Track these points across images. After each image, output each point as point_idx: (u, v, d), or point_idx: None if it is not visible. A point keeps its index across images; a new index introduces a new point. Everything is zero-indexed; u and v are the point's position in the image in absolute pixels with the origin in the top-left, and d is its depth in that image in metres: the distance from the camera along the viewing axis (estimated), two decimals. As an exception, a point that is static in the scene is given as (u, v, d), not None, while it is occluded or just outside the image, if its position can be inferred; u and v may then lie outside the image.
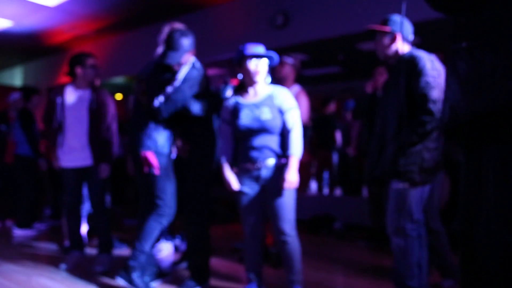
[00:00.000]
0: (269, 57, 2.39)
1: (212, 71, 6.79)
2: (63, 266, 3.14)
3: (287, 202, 2.34)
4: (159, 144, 2.60)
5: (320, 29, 4.81)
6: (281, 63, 3.52)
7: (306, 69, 5.87)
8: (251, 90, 2.42)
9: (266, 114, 2.33)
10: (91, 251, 3.54)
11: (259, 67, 2.36)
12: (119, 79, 7.47)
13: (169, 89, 2.56)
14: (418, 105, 2.10)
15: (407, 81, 2.14)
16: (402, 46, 2.27)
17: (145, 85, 2.68)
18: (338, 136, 5.47)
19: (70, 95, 3.23)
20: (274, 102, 2.36)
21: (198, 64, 2.69)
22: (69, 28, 6.63)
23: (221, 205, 5.22)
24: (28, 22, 6.25)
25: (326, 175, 5.76)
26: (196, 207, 2.65)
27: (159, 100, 2.55)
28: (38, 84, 8.35)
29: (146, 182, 2.65)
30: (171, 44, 2.56)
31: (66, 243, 3.82)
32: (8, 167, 4.81)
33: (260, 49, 2.37)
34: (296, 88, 3.43)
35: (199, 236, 2.67)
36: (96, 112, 3.19)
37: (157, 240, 3.56)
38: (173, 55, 2.55)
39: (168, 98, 2.55)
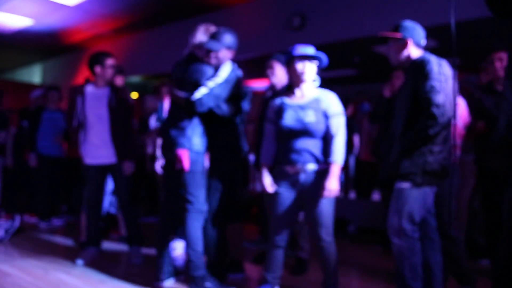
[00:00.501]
0: (318, 59, 2.38)
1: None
2: (79, 261, 3.18)
3: (326, 209, 2.32)
4: (194, 143, 2.59)
5: (337, 31, 4.79)
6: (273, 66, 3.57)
7: (321, 71, 5.83)
8: (297, 91, 2.41)
9: (310, 117, 2.31)
10: (107, 246, 3.59)
11: (306, 68, 2.35)
12: (135, 78, 7.54)
13: (211, 83, 2.54)
14: (422, 108, 2.10)
15: (414, 84, 2.15)
16: (414, 51, 2.28)
17: (177, 83, 2.67)
18: (356, 139, 5.44)
19: (90, 94, 3.30)
20: (320, 105, 2.34)
21: (237, 68, 2.72)
22: (88, 27, 6.72)
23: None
24: (48, 20, 6.35)
25: (341, 178, 5.73)
26: (215, 207, 2.68)
27: (200, 92, 2.51)
28: (57, 82, 8.48)
29: (179, 180, 2.62)
30: (215, 35, 2.61)
31: (83, 238, 3.88)
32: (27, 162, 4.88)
33: (309, 50, 2.35)
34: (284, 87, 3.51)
35: (217, 235, 2.69)
36: (116, 110, 3.26)
37: (171, 239, 3.62)
38: (215, 43, 2.57)
39: (209, 91, 2.52)
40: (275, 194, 2.42)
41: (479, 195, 3.47)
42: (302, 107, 2.36)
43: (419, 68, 2.15)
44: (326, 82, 2.56)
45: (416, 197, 2.15)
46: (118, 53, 7.07)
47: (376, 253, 3.82)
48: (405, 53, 2.28)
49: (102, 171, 3.30)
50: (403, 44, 2.27)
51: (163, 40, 6.61)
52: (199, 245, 2.56)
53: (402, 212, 2.16)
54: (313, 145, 2.32)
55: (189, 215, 2.58)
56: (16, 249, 3.62)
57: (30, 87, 6.65)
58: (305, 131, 2.31)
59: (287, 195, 2.39)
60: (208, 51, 2.60)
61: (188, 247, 2.56)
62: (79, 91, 3.31)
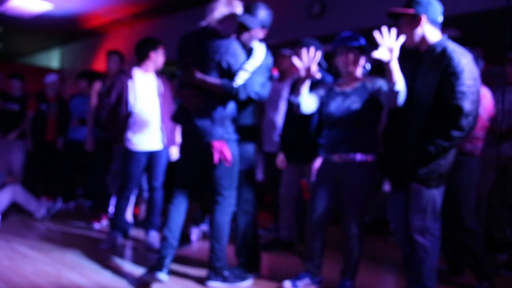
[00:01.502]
0: (364, 47, 2.34)
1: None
2: (103, 245, 3.22)
3: (362, 201, 2.30)
4: (230, 132, 2.44)
5: (357, 19, 4.70)
6: (281, 55, 3.55)
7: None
8: (345, 79, 2.40)
9: (357, 104, 2.28)
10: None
11: (353, 56, 2.33)
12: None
13: (250, 67, 2.36)
14: (449, 116, 1.96)
15: (439, 78, 1.98)
16: (430, 31, 2.06)
17: (194, 63, 2.39)
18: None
19: (140, 79, 3.28)
20: (370, 89, 2.30)
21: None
22: (106, 12, 6.73)
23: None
24: (67, 5, 6.37)
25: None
26: (244, 197, 2.61)
27: (241, 77, 2.33)
28: (74, 66, 8.55)
29: (207, 172, 2.48)
30: (249, 9, 2.44)
31: (96, 225, 3.93)
32: (49, 146, 4.97)
33: (355, 38, 2.33)
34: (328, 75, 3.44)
35: (249, 225, 2.64)
36: (163, 96, 3.31)
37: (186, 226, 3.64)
38: (251, 18, 2.41)
39: (251, 76, 2.35)
40: (315, 184, 2.43)
41: (498, 189, 3.41)
42: (347, 95, 2.33)
43: (444, 65, 1.97)
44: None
45: (435, 196, 2.14)
46: (136, 39, 7.06)
47: (391, 244, 3.79)
48: (419, 32, 2.06)
49: (148, 157, 3.29)
50: (417, 22, 2.05)
51: (182, 26, 6.54)
52: (225, 239, 2.48)
53: (426, 212, 2.12)
54: (357, 134, 2.28)
55: (219, 208, 2.47)
56: (32, 231, 3.69)
57: (49, 71, 6.70)
58: (349, 120, 2.28)
59: (327, 183, 2.38)
60: (242, 27, 2.42)
61: (214, 239, 2.47)
62: (128, 75, 3.28)
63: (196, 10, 6.41)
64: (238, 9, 2.43)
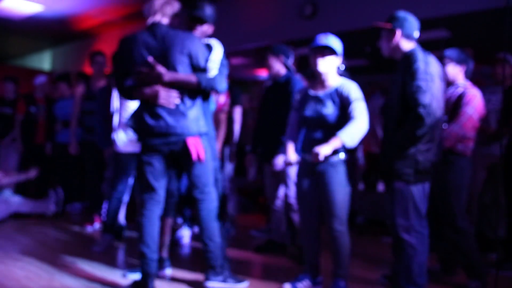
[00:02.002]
0: (333, 50, 2.34)
1: (238, 61, 6.77)
2: (95, 248, 3.20)
3: (338, 199, 2.31)
4: (202, 125, 2.39)
5: (349, 20, 4.73)
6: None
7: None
8: (319, 82, 2.43)
9: (328, 109, 2.33)
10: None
11: (321, 60, 2.35)
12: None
13: (216, 61, 2.40)
14: (411, 109, 2.14)
15: (403, 80, 2.19)
16: (404, 43, 2.31)
17: (154, 59, 2.30)
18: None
19: None
20: (340, 95, 2.33)
21: None
22: (98, 13, 6.70)
23: (242, 195, 5.24)
24: (59, 7, 6.33)
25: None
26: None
27: (213, 71, 2.37)
28: (66, 68, 8.50)
29: (189, 171, 2.41)
30: (198, 5, 2.51)
31: (89, 228, 3.91)
32: (39, 148, 4.94)
33: (328, 40, 2.34)
34: (298, 77, 3.53)
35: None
36: None
37: (179, 227, 3.64)
38: (205, 14, 2.49)
39: (220, 71, 2.41)
40: (298, 184, 2.47)
41: (490, 189, 3.44)
42: (321, 98, 2.37)
43: (407, 65, 2.19)
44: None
45: (416, 193, 2.21)
46: (127, 40, 7.03)
47: (385, 245, 3.81)
48: (393, 43, 2.32)
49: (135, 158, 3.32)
50: (392, 35, 2.31)
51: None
52: (217, 235, 2.44)
53: (408, 210, 2.21)
54: (330, 136, 2.27)
55: (204, 206, 2.42)
56: (24, 235, 3.66)
57: (40, 73, 6.67)
58: (323, 122, 2.33)
59: (307, 184, 2.42)
60: (195, 22, 2.51)
61: (206, 238, 2.41)
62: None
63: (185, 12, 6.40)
64: (177, 5, 2.46)
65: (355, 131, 2.23)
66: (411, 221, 2.21)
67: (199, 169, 2.39)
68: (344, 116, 2.31)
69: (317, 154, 2.18)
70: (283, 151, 2.90)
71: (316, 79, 2.45)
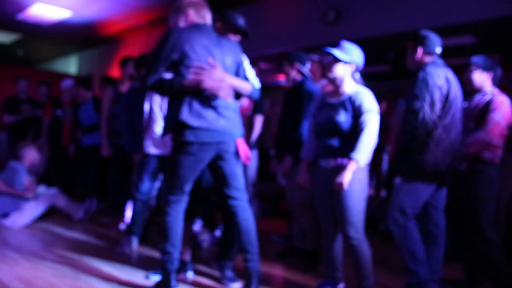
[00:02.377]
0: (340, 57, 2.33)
1: (262, 65, 6.80)
2: (119, 249, 3.26)
3: (352, 204, 2.27)
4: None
5: (372, 26, 4.71)
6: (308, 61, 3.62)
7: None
8: (334, 89, 2.44)
9: (340, 116, 2.31)
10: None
11: (334, 68, 2.34)
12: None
13: (253, 74, 2.61)
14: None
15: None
16: (425, 59, 2.48)
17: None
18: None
19: None
20: (353, 103, 2.32)
21: None
22: (123, 19, 6.85)
23: (263, 199, 5.24)
24: (86, 12, 6.50)
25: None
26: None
27: (255, 79, 2.56)
28: (92, 72, 8.69)
29: (233, 172, 2.39)
30: (230, 16, 2.61)
31: (113, 229, 3.97)
32: (64, 150, 5.07)
33: (344, 49, 2.35)
34: (324, 82, 3.55)
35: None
36: None
37: (201, 231, 3.66)
38: (236, 22, 2.58)
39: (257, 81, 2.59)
40: (314, 190, 2.46)
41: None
42: (335, 105, 2.37)
43: (415, 75, 2.42)
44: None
45: (406, 191, 2.38)
46: (152, 45, 7.16)
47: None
48: (416, 59, 2.50)
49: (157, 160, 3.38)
50: (414, 52, 2.50)
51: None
52: (256, 239, 2.43)
53: (395, 204, 2.42)
54: (344, 142, 2.30)
55: (244, 208, 2.43)
56: (50, 234, 3.74)
57: (66, 77, 6.85)
58: (336, 129, 2.32)
59: (323, 191, 2.40)
60: (229, 30, 2.59)
61: (248, 243, 2.38)
62: None
63: (214, 16, 6.48)
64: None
65: (366, 147, 2.23)
66: (393, 215, 2.43)
67: (241, 170, 2.43)
68: (357, 124, 2.30)
69: (340, 184, 2.20)
70: (291, 151, 3.01)
71: (333, 85, 2.45)
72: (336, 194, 2.30)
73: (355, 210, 2.28)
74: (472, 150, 2.54)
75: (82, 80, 4.99)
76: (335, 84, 2.40)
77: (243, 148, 2.42)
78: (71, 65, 9.81)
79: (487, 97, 2.64)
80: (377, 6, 4.66)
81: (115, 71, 8.10)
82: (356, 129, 2.29)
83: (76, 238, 3.64)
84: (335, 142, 2.33)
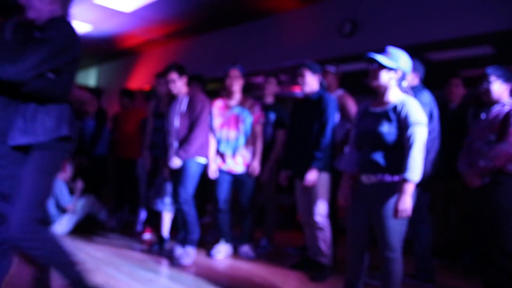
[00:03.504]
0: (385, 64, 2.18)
1: (283, 77, 6.84)
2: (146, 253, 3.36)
3: (393, 225, 2.12)
4: None
5: (388, 38, 4.69)
6: (325, 72, 3.62)
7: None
8: (379, 97, 2.28)
9: (383, 127, 2.16)
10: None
11: (379, 75, 2.19)
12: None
13: None
14: None
15: None
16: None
17: None
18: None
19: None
20: (399, 114, 2.15)
21: None
22: (142, 32, 6.98)
23: (279, 211, 5.22)
24: (106, 26, 6.66)
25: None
26: None
27: None
28: (110, 85, 8.85)
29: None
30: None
31: (144, 236, 3.99)
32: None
33: (389, 54, 2.20)
34: (340, 92, 3.59)
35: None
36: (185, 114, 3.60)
37: (217, 241, 3.66)
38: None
39: None
40: (351, 204, 2.32)
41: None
42: (378, 115, 2.21)
43: None
44: (375, 90, 2.48)
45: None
46: (169, 58, 7.28)
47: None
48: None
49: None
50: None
51: (214, 45, 6.74)
52: None
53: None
54: (387, 156, 2.15)
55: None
56: (81, 243, 3.79)
57: (86, 89, 7.01)
58: (378, 141, 2.17)
59: (359, 205, 2.28)
60: None
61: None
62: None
63: (225, 30, 6.56)
64: None
65: (418, 165, 2.05)
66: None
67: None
68: (402, 136, 2.13)
69: (401, 212, 2.04)
70: (316, 166, 2.96)
71: (377, 94, 2.29)
72: (376, 213, 2.16)
73: (396, 233, 2.12)
74: (498, 164, 2.49)
75: (126, 92, 5.17)
76: (380, 92, 2.25)
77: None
78: (90, 78, 10.01)
79: (506, 108, 2.60)
80: (393, 18, 4.66)
81: (133, 83, 8.24)
82: (400, 143, 2.13)
83: (103, 247, 3.68)
84: (377, 155, 2.17)
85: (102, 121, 5.15)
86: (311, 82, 3.15)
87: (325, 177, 3.06)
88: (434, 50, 4.60)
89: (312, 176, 2.98)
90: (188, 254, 3.34)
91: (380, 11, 4.77)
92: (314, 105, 3.12)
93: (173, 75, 3.49)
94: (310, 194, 3.11)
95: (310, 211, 3.13)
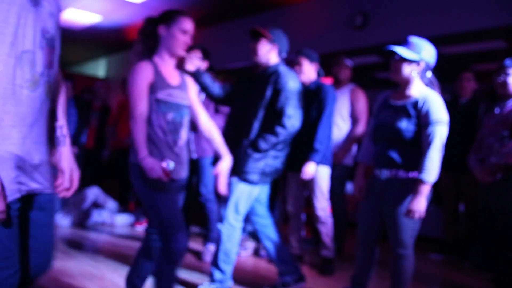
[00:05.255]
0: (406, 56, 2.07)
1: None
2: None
3: (406, 223, 2.07)
4: None
5: (400, 30, 4.64)
6: (342, 64, 3.56)
7: (380, 72, 5.70)
8: (400, 90, 2.17)
9: (402, 122, 2.07)
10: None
11: (401, 66, 2.08)
12: (194, 74, 7.72)
13: None
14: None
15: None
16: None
17: None
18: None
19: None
20: (420, 110, 2.05)
21: None
22: (151, 23, 6.97)
23: (285, 204, 5.22)
24: (116, 17, 6.65)
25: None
26: None
27: None
28: (119, 75, 8.87)
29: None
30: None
31: (138, 227, 4.03)
32: (89, 152, 5.17)
33: (412, 45, 2.09)
34: (352, 86, 3.57)
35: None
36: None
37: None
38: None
39: None
40: (364, 200, 2.27)
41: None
42: (397, 108, 2.12)
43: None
44: (383, 83, 2.46)
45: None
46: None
47: (433, 262, 3.67)
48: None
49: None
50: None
51: (223, 37, 6.72)
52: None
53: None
54: (404, 152, 2.08)
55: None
56: (77, 234, 3.83)
57: (95, 80, 7.03)
58: (394, 135, 2.08)
59: (371, 200, 2.23)
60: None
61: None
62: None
63: (235, 22, 6.54)
64: None
65: (435, 165, 1.99)
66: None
67: None
68: (420, 133, 2.05)
69: (415, 212, 2.00)
70: (314, 158, 2.83)
71: (398, 86, 2.20)
72: (389, 210, 2.11)
73: (409, 229, 2.08)
74: (510, 161, 2.44)
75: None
76: (401, 85, 2.15)
77: None
78: (99, 69, 10.04)
79: (521, 103, 2.56)
80: (404, 10, 4.60)
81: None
82: (418, 140, 2.05)
83: (101, 238, 3.71)
84: (392, 150, 2.10)
85: (106, 117, 5.21)
86: (309, 71, 3.04)
87: (324, 170, 3.01)
88: (446, 43, 4.54)
89: (310, 168, 2.83)
90: (210, 252, 3.29)
91: (392, 4, 4.71)
92: (312, 94, 2.98)
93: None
94: (309, 188, 3.06)
95: (301, 205, 3.21)
